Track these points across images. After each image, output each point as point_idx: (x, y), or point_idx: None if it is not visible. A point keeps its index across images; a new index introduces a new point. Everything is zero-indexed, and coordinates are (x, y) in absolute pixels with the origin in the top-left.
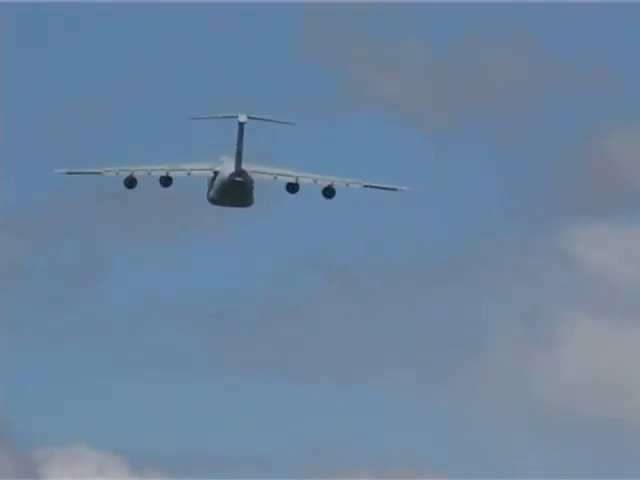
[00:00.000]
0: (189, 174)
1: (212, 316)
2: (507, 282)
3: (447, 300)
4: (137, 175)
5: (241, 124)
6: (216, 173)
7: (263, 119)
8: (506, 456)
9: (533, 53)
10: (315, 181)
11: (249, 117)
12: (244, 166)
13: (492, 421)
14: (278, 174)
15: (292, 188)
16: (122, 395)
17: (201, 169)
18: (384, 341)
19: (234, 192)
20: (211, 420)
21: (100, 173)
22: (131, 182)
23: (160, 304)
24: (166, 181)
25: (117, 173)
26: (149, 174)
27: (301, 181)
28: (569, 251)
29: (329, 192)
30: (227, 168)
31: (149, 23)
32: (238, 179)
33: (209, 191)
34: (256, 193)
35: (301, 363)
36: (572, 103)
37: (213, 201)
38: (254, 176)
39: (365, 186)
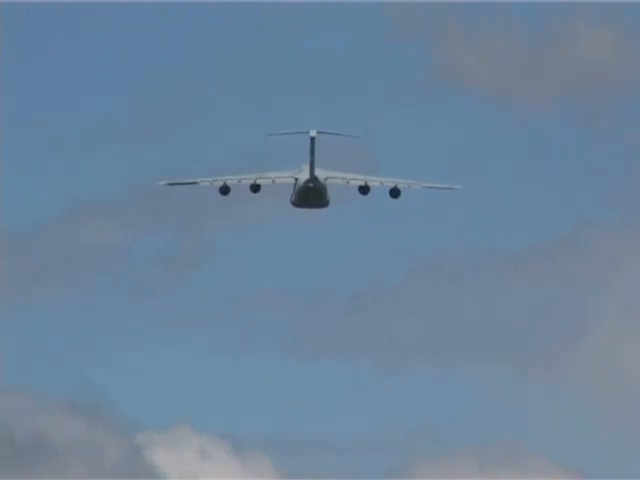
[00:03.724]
0: (274, 182)
1: (305, 302)
2: (600, 270)
3: (533, 288)
4: (229, 183)
5: (312, 138)
6: (297, 180)
7: (332, 133)
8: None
9: (626, 39)
10: (382, 183)
11: (319, 132)
12: (319, 173)
13: (589, 407)
14: (350, 179)
15: (363, 190)
16: (222, 379)
17: (284, 177)
18: (471, 329)
19: (309, 196)
20: (304, 404)
21: (197, 183)
22: (224, 190)
23: (260, 291)
24: (255, 188)
25: (211, 183)
26: (239, 182)
27: (370, 184)
28: None
29: (395, 192)
30: (304, 175)
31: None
32: (311, 185)
33: (292, 195)
34: (331, 195)
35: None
36: None
37: (294, 204)
38: (329, 181)
39: (424, 187)
